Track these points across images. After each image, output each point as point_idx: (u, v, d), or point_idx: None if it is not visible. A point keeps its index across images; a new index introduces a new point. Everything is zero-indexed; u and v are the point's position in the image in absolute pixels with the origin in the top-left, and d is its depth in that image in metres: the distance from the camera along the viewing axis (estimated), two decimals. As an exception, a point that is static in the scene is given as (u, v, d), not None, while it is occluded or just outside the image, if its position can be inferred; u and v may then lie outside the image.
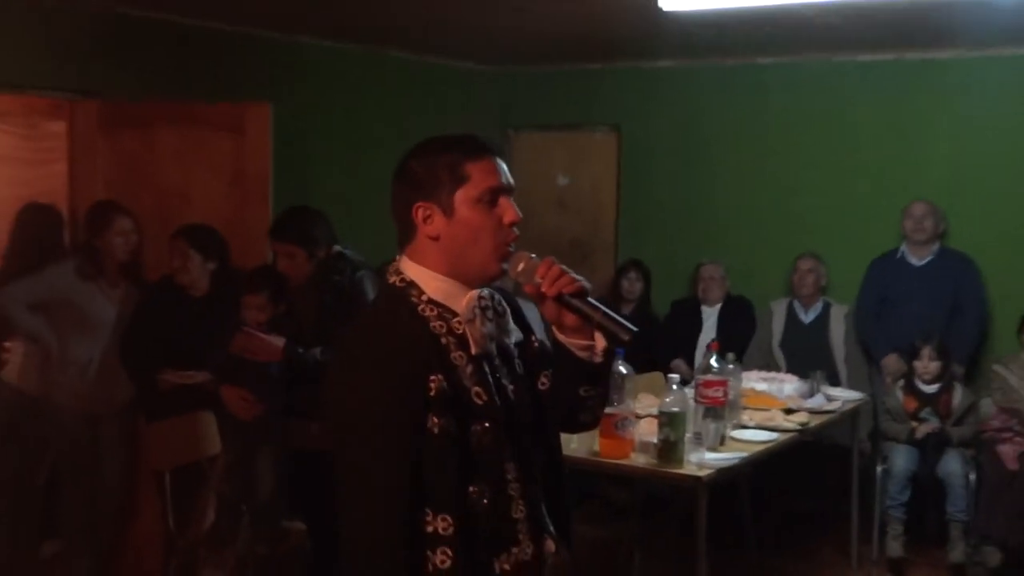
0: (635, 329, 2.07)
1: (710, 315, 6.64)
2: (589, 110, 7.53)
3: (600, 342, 2.12)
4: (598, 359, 2.13)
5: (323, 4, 5.27)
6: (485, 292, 2.13)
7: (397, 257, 2.13)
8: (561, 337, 2.13)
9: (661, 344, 6.55)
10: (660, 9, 4.73)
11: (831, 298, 6.48)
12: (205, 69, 5.67)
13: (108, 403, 4.86)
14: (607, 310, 2.07)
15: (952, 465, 5.58)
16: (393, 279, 2.10)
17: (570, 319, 2.08)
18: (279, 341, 4.12)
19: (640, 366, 4.89)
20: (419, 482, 1.96)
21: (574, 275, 2.06)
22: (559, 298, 2.05)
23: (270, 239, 4.40)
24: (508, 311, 2.21)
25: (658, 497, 6.08)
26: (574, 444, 4.21)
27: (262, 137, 5.09)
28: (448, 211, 2.04)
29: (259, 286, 4.39)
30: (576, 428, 2.33)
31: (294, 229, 4.32)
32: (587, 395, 2.18)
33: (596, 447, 4.17)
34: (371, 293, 4.16)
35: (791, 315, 6.48)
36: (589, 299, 2.07)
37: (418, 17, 5.68)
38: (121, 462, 4.94)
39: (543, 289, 2.04)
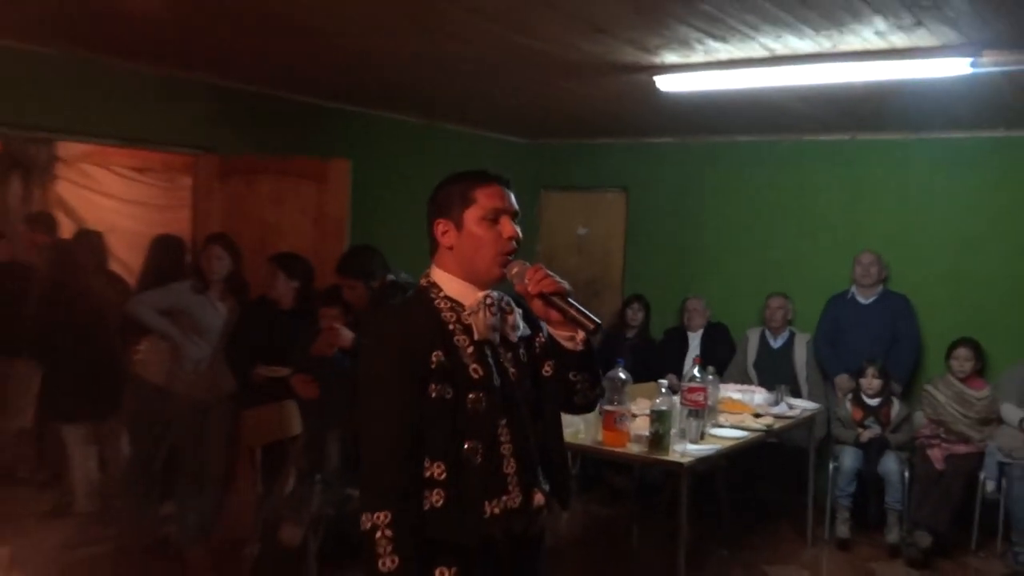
0: (599, 321, 2.08)
1: (694, 338, 6.56)
2: (603, 175, 7.50)
3: (580, 334, 2.12)
4: (579, 347, 2.14)
5: (393, 86, 5.33)
6: (495, 294, 2.14)
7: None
8: (551, 330, 2.15)
9: (657, 362, 6.48)
10: (658, 90, 4.71)
11: (796, 328, 6.39)
12: (300, 132, 5.71)
13: (215, 393, 4.87)
14: (579, 306, 2.08)
15: (890, 464, 5.48)
16: (423, 281, 2.14)
17: (554, 315, 2.10)
18: (350, 333, 4.13)
19: (640, 379, 4.85)
20: (420, 436, 1.98)
21: (557, 278, 2.08)
22: (541, 295, 2.06)
23: (336, 273, 4.37)
24: (517, 311, 2.19)
25: (651, 484, 6.01)
26: (582, 435, 4.20)
27: (342, 186, 5.11)
28: (459, 226, 2.09)
29: (334, 300, 4.39)
30: (574, 409, 2.30)
31: (354, 265, 4.27)
32: (575, 379, 2.18)
33: (600, 437, 4.13)
34: None
35: (763, 341, 6.39)
36: (568, 298, 2.07)
37: (469, 99, 5.71)
38: (224, 440, 4.91)
39: (529, 288, 2.06)
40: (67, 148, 7.06)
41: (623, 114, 5.99)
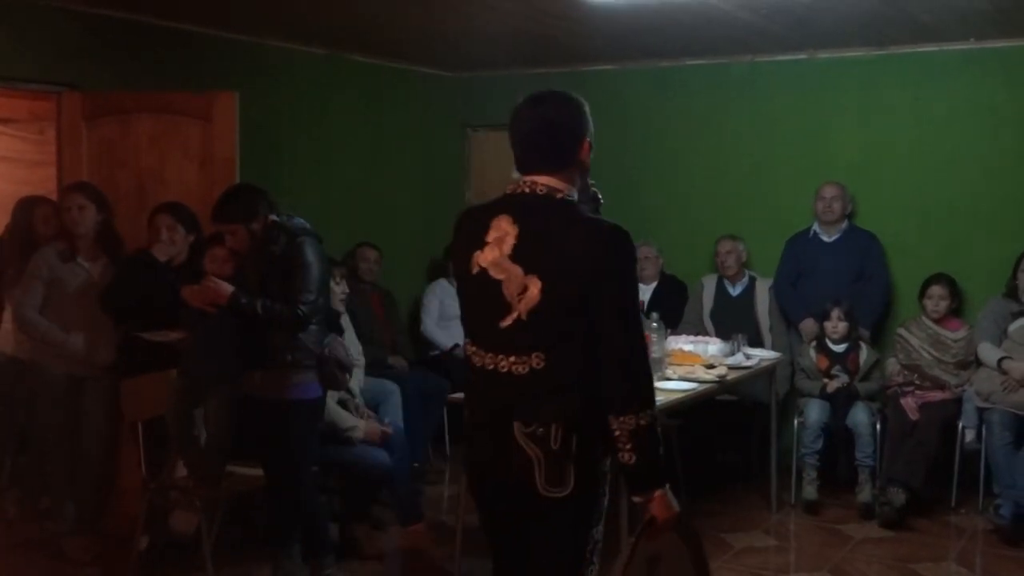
0: None
1: (646, 292, 6.46)
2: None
3: None
4: None
5: (288, 10, 5.19)
6: None
7: (526, 178, 2.47)
8: None
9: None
10: (587, 2, 4.64)
11: (757, 272, 6.40)
12: (181, 66, 5.54)
13: (90, 365, 4.73)
14: None
15: (860, 416, 5.54)
16: (560, 195, 2.47)
17: None
18: (228, 287, 4.00)
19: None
20: None
21: None
22: None
23: (212, 220, 4.23)
24: None
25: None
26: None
27: (229, 124, 5.02)
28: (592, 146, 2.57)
29: (221, 240, 4.26)
30: None
31: (231, 210, 4.13)
32: None
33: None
34: (311, 256, 4.01)
35: (720, 289, 6.40)
36: None
37: (379, 24, 5.59)
38: (104, 419, 4.77)
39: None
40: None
41: (554, 37, 5.91)
